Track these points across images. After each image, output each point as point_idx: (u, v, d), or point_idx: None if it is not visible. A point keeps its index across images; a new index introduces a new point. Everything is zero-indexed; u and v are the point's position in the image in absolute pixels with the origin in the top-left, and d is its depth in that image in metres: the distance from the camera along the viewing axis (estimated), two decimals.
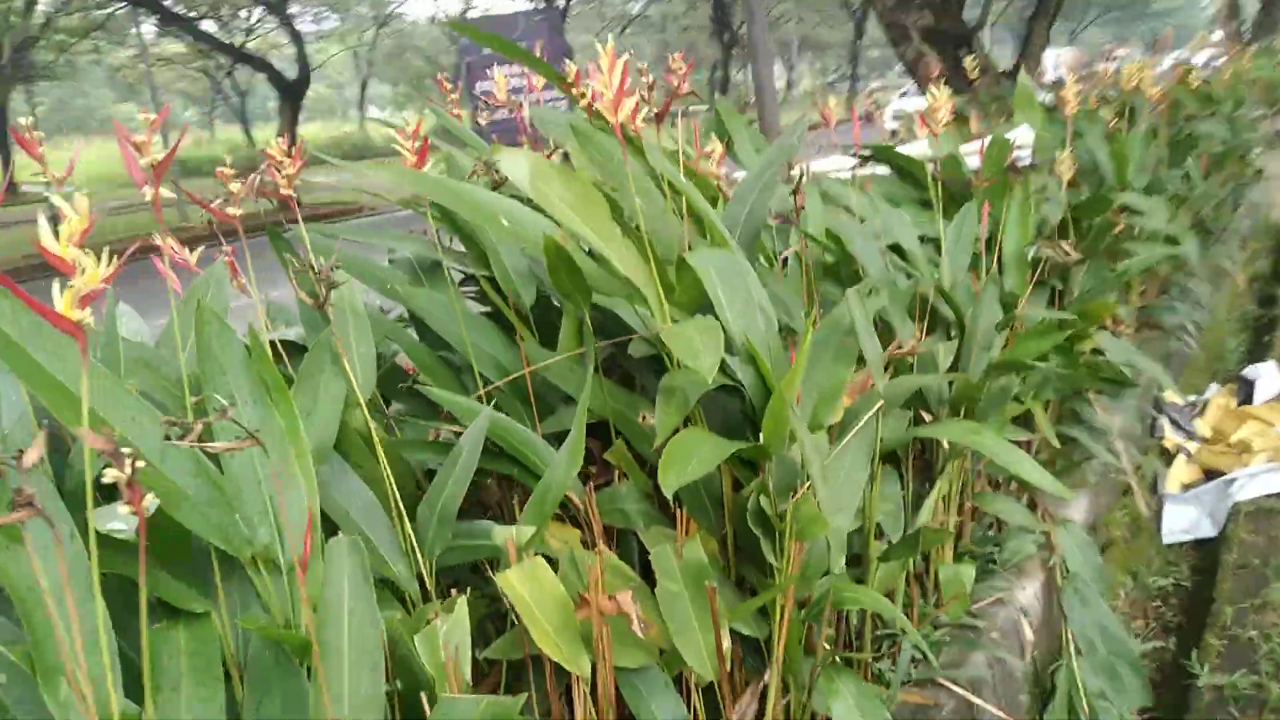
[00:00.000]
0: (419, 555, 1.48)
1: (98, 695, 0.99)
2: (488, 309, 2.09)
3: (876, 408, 1.79)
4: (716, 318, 1.74)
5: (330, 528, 1.48)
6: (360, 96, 39.55)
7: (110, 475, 0.83)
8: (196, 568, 1.26)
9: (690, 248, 1.85)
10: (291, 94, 20.83)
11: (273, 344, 1.92)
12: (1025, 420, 2.87)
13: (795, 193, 1.79)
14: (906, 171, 3.17)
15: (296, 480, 1.33)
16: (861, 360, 1.87)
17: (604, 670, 1.50)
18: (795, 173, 1.77)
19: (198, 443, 0.96)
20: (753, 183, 2.00)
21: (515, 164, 1.36)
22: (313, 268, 1.74)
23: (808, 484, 1.63)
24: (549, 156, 2.14)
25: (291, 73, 21.08)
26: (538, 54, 1.93)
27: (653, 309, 1.56)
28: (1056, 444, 2.73)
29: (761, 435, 1.69)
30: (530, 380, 1.82)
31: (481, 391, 1.80)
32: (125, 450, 0.88)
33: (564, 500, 1.66)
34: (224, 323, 1.40)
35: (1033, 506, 2.89)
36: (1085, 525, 2.86)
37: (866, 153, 3.18)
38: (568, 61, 2.06)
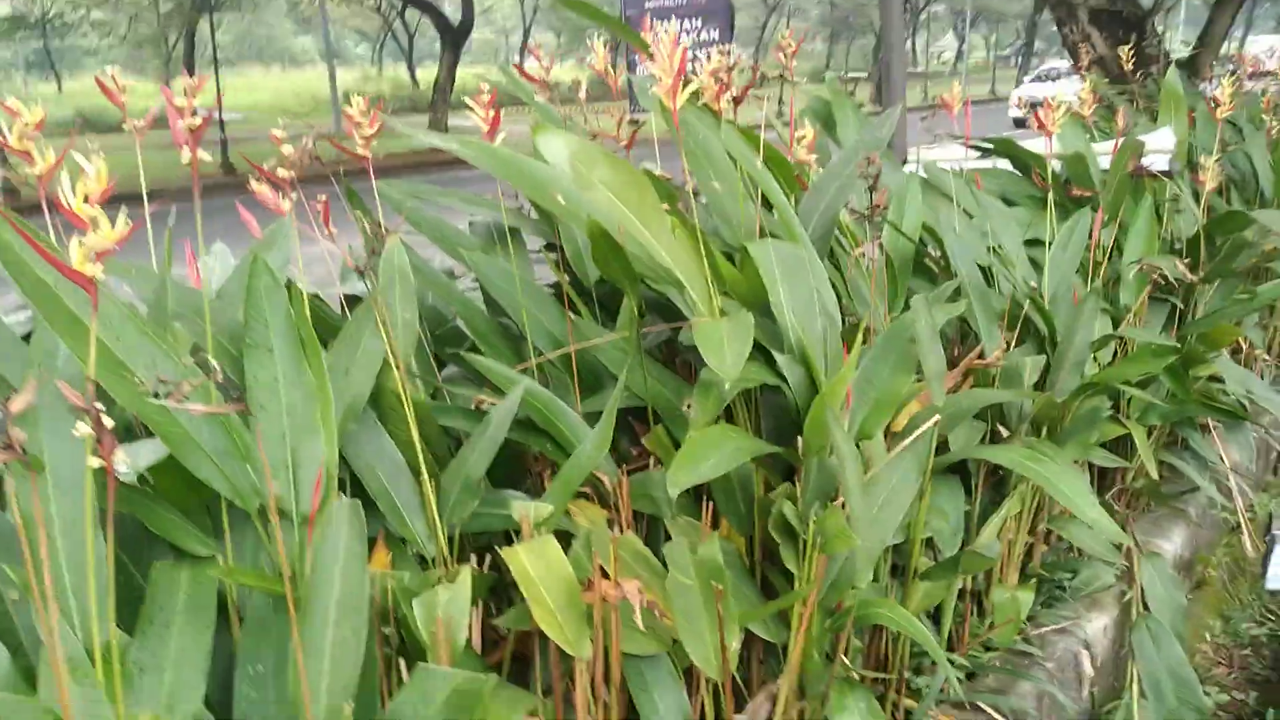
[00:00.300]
0: (438, 519, 1.51)
1: (85, 624, 1.05)
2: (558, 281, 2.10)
3: (930, 423, 1.71)
4: (771, 313, 1.70)
5: (357, 484, 1.52)
6: (522, 44, 40.11)
7: (80, 430, 0.87)
8: (214, 514, 1.32)
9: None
10: (453, 38, 21.27)
11: (342, 298, 1.97)
12: (1125, 443, 2.71)
13: (873, 189, 1.71)
14: (1028, 167, 3.00)
15: (318, 435, 1.36)
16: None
17: (608, 655, 1.50)
18: (872, 168, 1.69)
19: (179, 403, 0.99)
20: (833, 174, 1.93)
21: (554, 145, 1.34)
22: (379, 225, 1.77)
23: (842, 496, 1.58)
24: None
25: (457, 17, 21.50)
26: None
27: (696, 301, 1.53)
28: (1154, 474, 2.56)
29: (801, 439, 1.65)
30: (583, 359, 1.82)
31: (531, 363, 1.81)
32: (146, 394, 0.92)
33: (597, 481, 1.66)
34: (274, 275, 1.44)
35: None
36: (1176, 561, 2.69)
37: (985, 144, 3.02)
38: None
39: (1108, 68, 5.93)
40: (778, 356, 1.66)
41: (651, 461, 1.77)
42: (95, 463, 0.88)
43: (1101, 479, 2.82)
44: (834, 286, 1.97)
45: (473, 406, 1.66)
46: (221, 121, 16.08)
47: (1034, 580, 2.43)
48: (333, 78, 21.04)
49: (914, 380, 1.73)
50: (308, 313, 1.39)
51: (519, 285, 1.81)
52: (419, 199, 2.01)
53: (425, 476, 1.55)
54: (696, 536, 1.64)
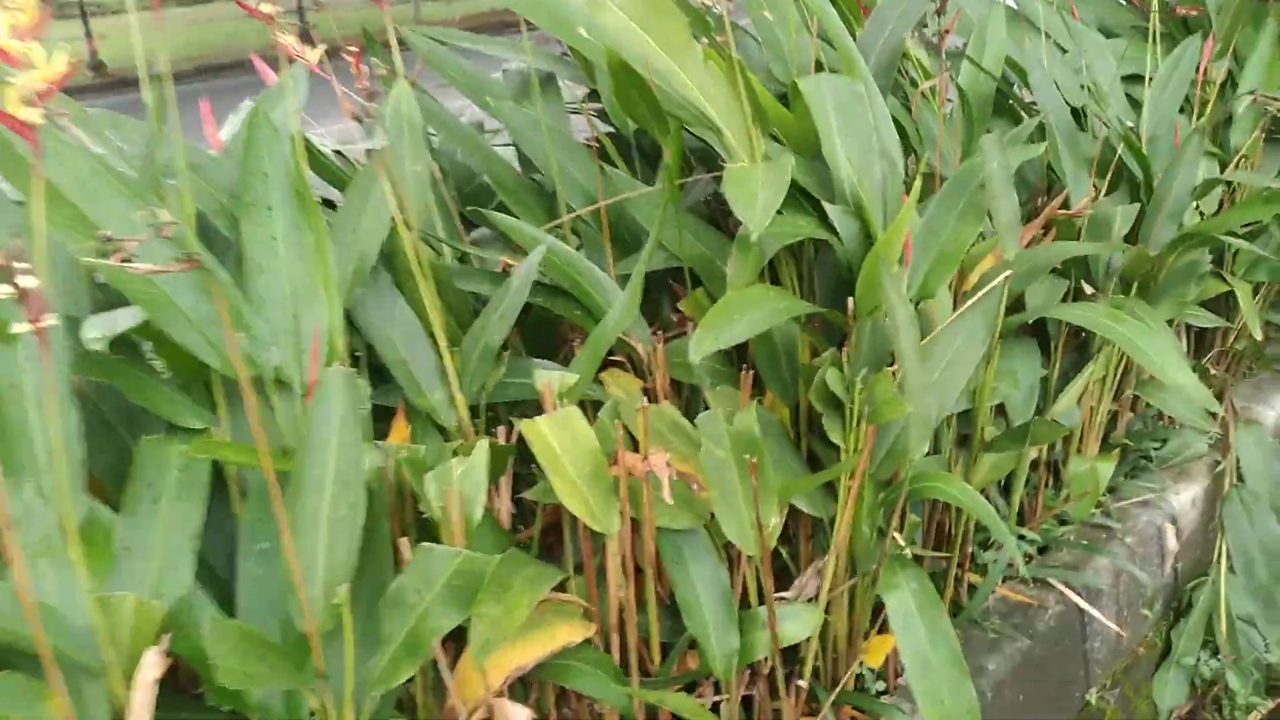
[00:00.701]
0: (457, 388, 1.42)
1: (58, 499, 0.99)
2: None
3: (1001, 279, 1.53)
4: (822, 156, 1.53)
5: (370, 352, 1.43)
6: None
7: (2, 292, 0.77)
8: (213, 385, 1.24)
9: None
10: None
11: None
12: (1227, 301, 2.48)
13: (940, 11, 1.50)
14: None
15: (319, 299, 1.27)
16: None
17: (642, 530, 1.42)
18: None
19: (124, 263, 0.89)
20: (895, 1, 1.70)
21: None
22: (393, 72, 1.63)
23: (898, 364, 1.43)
24: None
25: None
26: None
27: (731, 144, 1.36)
28: (1258, 335, 2.33)
29: (853, 299, 1.49)
30: (621, 217, 1.67)
31: (563, 220, 1.68)
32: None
33: (631, 349, 1.54)
34: (274, 128, 1.33)
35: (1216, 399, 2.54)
36: (1277, 429, 2.48)
37: None
38: None
39: None
40: (829, 208, 1.49)
41: (691, 327, 1.64)
42: (22, 328, 0.79)
43: (1199, 341, 2.60)
44: (900, 128, 1.77)
45: (498, 269, 1.54)
46: None
47: (1117, 450, 2.27)
48: None
49: (984, 231, 1.55)
50: (305, 168, 1.27)
51: (549, 136, 1.66)
52: (447, 44, 1.85)
53: (444, 344, 1.45)
54: (736, 406, 1.52)
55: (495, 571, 1.18)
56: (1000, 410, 1.83)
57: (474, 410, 1.47)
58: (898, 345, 1.40)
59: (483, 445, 1.33)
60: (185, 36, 13.92)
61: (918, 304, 1.57)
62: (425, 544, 1.14)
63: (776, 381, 1.56)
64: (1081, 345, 2.17)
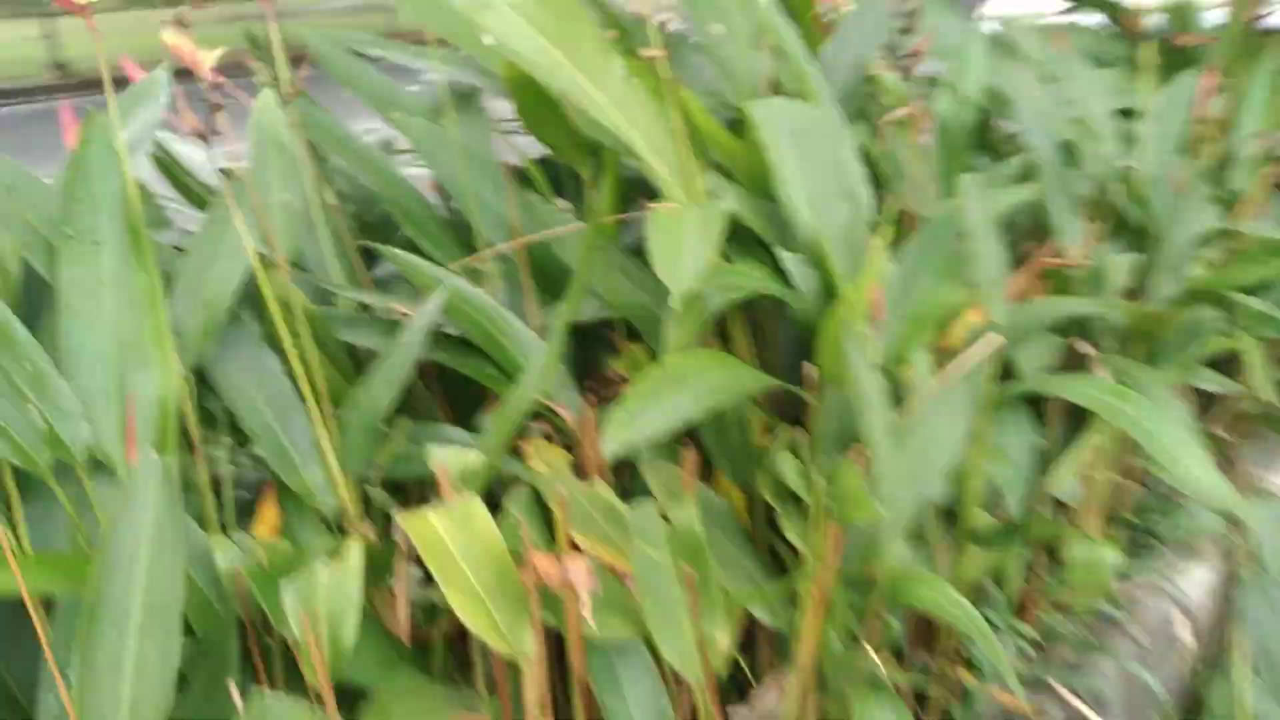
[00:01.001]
0: (335, 467, 1.16)
1: None
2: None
3: (986, 344, 1.29)
4: (775, 195, 1.29)
5: (231, 422, 1.18)
6: None
7: None
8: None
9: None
10: None
11: None
12: (1235, 358, 2.26)
13: (906, 30, 1.27)
14: (1126, 23, 2.47)
15: (152, 357, 1.02)
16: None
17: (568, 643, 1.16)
18: (908, 3, 1.25)
19: None
20: (864, 13, 1.48)
21: None
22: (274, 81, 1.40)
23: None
24: None
25: None
26: None
27: (662, 179, 1.12)
28: (1270, 397, 2.10)
29: (813, 364, 1.25)
30: (547, 254, 1.43)
31: (478, 258, 1.43)
32: None
33: (555, 415, 1.29)
34: (111, 149, 1.09)
35: (1227, 468, 2.30)
36: None
37: None
38: None
39: None
40: (783, 256, 1.25)
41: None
42: None
43: (1205, 398, 2.37)
44: (868, 160, 1.55)
45: (399, 316, 1.29)
46: None
47: (1121, 531, 2.02)
48: None
49: (965, 286, 1.32)
50: (137, 193, 1.03)
51: (465, 159, 1.41)
52: (355, 50, 1.62)
53: (326, 409, 1.20)
54: (679, 486, 1.27)
55: (378, 703, 0.93)
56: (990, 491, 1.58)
57: (369, 489, 1.22)
58: (865, 426, 1.15)
59: (356, 547, 1.07)
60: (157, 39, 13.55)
61: (891, 371, 1.33)
62: (258, 692, 0.88)
63: (727, 459, 1.31)
64: (1079, 409, 1.94)
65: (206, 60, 1.39)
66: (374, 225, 1.49)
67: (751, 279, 1.21)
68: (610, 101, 1.04)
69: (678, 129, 1.15)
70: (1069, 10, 2.54)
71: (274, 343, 1.20)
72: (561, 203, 1.54)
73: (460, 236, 1.45)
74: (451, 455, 1.11)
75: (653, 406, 0.99)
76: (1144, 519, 2.04)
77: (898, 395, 1.39)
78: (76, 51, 11.63)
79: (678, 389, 1.00)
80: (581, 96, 1.02)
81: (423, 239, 1.40)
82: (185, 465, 1.08)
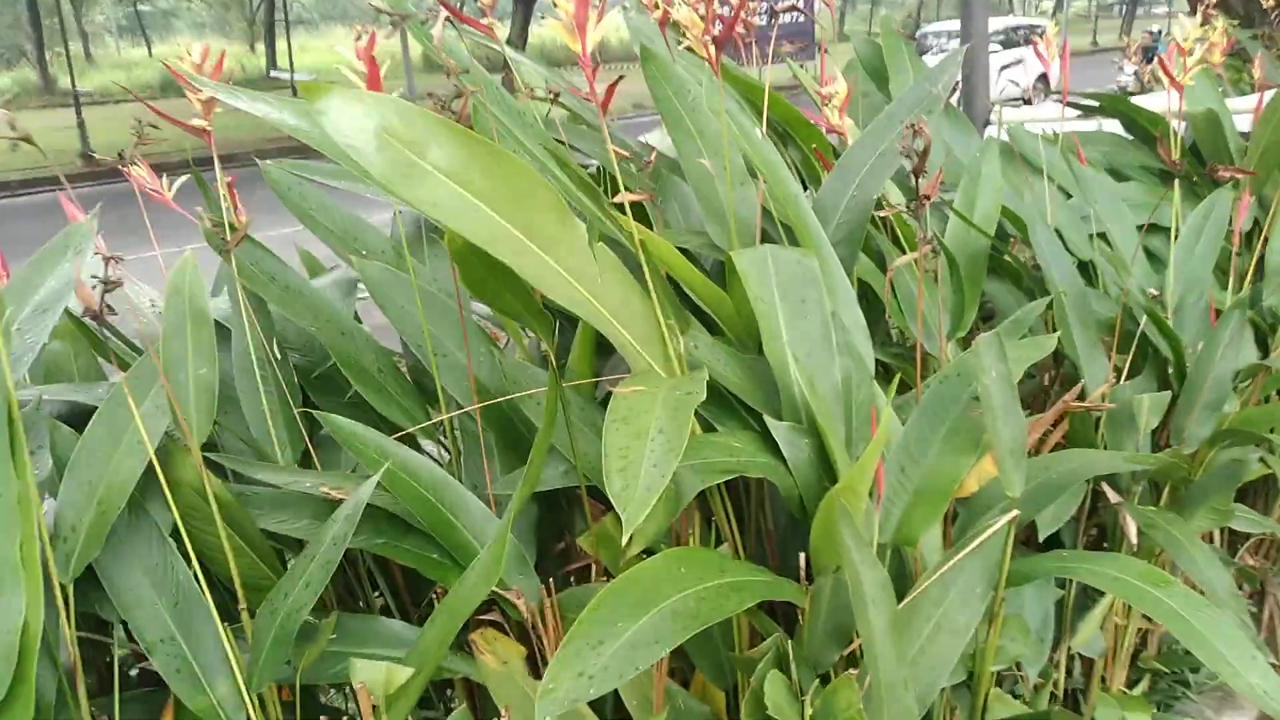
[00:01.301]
0: (243, 682, 1.01)
1: None
2: None
3: (1005, 520, 1.15)
4: (763, 350, 1.16)
5: (126, 630, 1.03)
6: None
7: None
8: None
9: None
10: None
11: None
12: (1267, 484, 2.10)
13: (916, 174, 1.15)
14: (1144, 132, 2.35)
15: (15, 581, 0.88)
16: None
17: None
18: (917, 142, 1.12)
19: None
20: (868, 145, 1.36)
21: (349, 116, 0.80)
22: (223, 222, 1.28)
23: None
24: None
25: None
26: None
27: (630, 350, 0.99)
28: None
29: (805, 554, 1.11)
30: (510, 409, 1.30)
31: (442, 419, 1.30)
32: None
33: (508, 603, 1.15)
34: None
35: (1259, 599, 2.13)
36: None
37: (1090, 100, 2.39)
38: None
39: (1231, 8, 5.10)
40: (773, 425, 1.11)
41: (592, 568, 1.25)
42: None
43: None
44: (872, 295, 1.42)
45: (324, 495, 1.15)
46: (293, 86, 15.82)
47: (1148, 677, 1.85)
48: (404, 37, 20.54)
49: (977, 455, 1.17)
50: (13, 400, 0.90)
51: (420, 303, 1.28)
52: (314, 181, 1.50)
53: (243, 608, 1.06)
54: (651, 689, 1.12)
55: None
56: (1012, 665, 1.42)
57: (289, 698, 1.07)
58: (864, 624, 1.00)
59: None
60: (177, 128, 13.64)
61: (898, 551, 1.19)
62: None
63: (706, 658, 1.16)
64: (1095, 542, 1.79)
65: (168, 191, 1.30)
66: (326, 378, 1.36)
67: (735, 456, 1.07)
68: (571, 273, 0.91)
69: (656, 287, 1.02)
70: (1084, 118, 2.43)
71: (187, 534, 1.06)
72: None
73: (424, 391, 1.32)
74: (372, 673, 0.96)
75: (607, 644, 0.83)
76: (1172, 665, 1.87)
77: (904, 575, 1.25)
78: (99, 140, 11.96)
79: (637, 615, 0.85)
80: (537, 272, 0.89)
81: (375, 397, 1.27)
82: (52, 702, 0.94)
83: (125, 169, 1.41)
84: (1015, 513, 1.14)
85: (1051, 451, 1.52)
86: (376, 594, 1.35)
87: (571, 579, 1.30)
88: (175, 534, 1.03)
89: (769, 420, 1.12)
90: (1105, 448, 1.63)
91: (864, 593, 0.99)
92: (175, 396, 1.01)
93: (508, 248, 0.85)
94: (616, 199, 1.21)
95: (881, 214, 1.27)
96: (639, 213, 1.41)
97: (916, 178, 1.16)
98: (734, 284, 1.20)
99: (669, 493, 1.02)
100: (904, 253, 1.59)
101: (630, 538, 0.99)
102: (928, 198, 1.16)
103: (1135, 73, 4.01)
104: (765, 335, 1.14)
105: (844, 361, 1.19)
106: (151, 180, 1.42)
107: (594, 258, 0.93)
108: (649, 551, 1.14)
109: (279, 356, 1.31)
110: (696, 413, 1.18)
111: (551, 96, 1.62)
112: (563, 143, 1.53)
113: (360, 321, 1.49)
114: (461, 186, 0.83)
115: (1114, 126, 2.38)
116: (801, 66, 2.04)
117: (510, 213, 0.85)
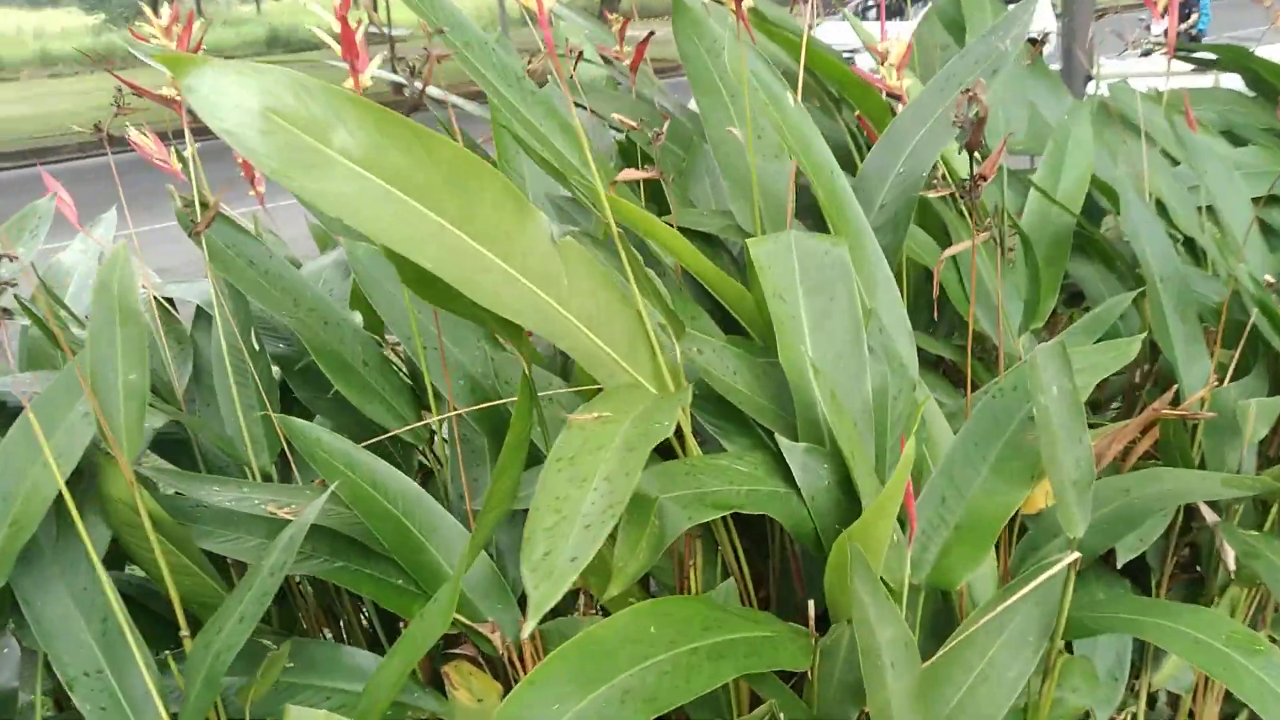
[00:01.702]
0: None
1: None
2: None
3: (1065, 562, 0.96)
4: (778, 354, 0.99)
5: (49, 671, 0.94)
6: None
7: None
8: None
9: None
10: None
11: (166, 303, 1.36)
12: None
13: (969, 148, 0.96)
14: (1270, 87, 2.06)
15: None
16: None
17: None
18: (970, 110, 0.93)
19: None
20: (918, 115, 1.17)
21: (226, 94, 0.66)
22: (195, 201, 1.18)
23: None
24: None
25: None
26: None
27: (602, 367, 0.84)
28: None
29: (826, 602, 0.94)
30: (508, 418, 1.16)
31: (431, 421, 1.17)
32: None
33: (479, 637, 1.02)
34: None
35: None
36: None
37: (1204, 52, 2.10)
38: None
39: None
40: (786, 446, 0.95)
41: (580, 598, 1.11)
42: None
43: None
44: (922, 286, 1.24)
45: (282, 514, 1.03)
46: (391, 41, 15.76)
47: (1246, 712, 1.64)
48: None
49: (1032, 486, 0.99)
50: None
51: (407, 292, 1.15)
52: None
53: (185, 640, 0.96)
54: None
55: None
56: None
57: None
58: (877, 690, 0.84)
59: None
60: (69, 105, 13.46)
61: (938, 595, 1.02)
62: None
63: (705, 709, 1.01)
64: (1188, 564, 1.58)
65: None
66: (312, 370, 1.25)
67: (735, 484, 0.91)
68: (530, 275, 0.76)
69: (638, 278, 0.86)
70: (1197, 72, 2.14)
71: (126, 557, 0.96)
72: None
73: (405, 390, 1.19)
74: (308, 719, 0.84)
75: (577, 701, 0.69)
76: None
77: (949, 610, 1.08)
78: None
79: (581, 693, 0.70)
80: (480, 282, 0.73)
81: (358, 394, 1.15)
82: None
83: (131, 140, 1.32)
84: (1076, 555, 0.96)
85: (1136, 467, 1.32)
86: (362, 614, 1.25)
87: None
88: (115, 554, 0.93)
89: (781, 441, 0.95)
90: (1203, 459, 1.42)
91: (879, 655, 0.83)
92: (103, 403, 0.91)
93: (435, 249, 0.71)
94: (620, 177, 1.06)
95: (933, 194, 1.08)
96: (656, 192, 1.25)
97: (971, 152, 0.97)
98: (754, 277, 1.03)
99: (653, 528, 0.87)
100: (973, 229, 1.39)
101: (631, 577, 0.86)
102: (984, 178, 0.97)
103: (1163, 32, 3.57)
104: (782, 339, 0.98)
105: (879, 369, 1.02)
106: (159, 150, 1.33)
107: (558, 255, 0.78)
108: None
109: (257, 347, 1.20)
110: (703, 427, 1.02)
111: (575, 55, 1.47)
112: (584, 108, 1.38)
113: None
114: (377, 175, 0.68)
115: (1234, 83, 2.10)
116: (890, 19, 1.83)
117: (440, 205, 0.71)
